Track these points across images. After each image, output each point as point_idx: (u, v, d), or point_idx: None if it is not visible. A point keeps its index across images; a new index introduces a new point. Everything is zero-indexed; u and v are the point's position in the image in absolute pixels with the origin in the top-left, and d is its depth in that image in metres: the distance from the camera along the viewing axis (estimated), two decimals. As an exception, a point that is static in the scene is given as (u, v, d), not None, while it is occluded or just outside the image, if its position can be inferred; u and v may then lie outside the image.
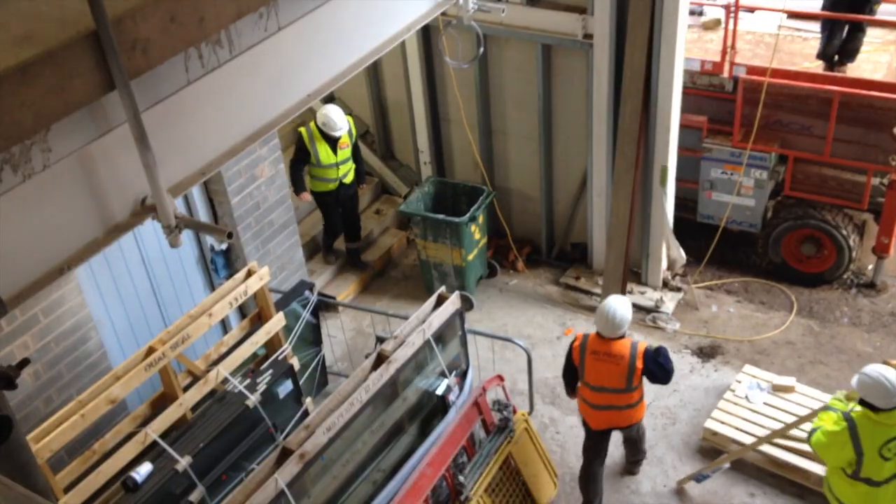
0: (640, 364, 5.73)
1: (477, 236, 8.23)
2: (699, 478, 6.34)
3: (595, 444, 6.17)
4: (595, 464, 6.21)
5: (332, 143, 7.92)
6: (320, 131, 7.87)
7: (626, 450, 6.60)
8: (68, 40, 2.39)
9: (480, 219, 8.19)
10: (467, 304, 8.37)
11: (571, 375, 6.13)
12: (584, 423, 6.18)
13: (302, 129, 7.95)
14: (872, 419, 4.94)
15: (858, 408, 5.05)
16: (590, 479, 6.23)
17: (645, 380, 5.90)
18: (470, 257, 8.20)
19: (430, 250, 8.30)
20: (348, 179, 8.25)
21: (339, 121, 7.81)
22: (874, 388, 4.90)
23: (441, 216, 8.06)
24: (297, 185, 8.09)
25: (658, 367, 5.77)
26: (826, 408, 5.39)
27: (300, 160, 8.02)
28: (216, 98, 3.17)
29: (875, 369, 4.96)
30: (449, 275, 8.36)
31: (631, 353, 5.72)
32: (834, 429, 5.05)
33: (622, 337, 5.77)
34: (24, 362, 2.81)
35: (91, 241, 2.91)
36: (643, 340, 6.31)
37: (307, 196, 8.19)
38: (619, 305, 5.74)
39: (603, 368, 5.79)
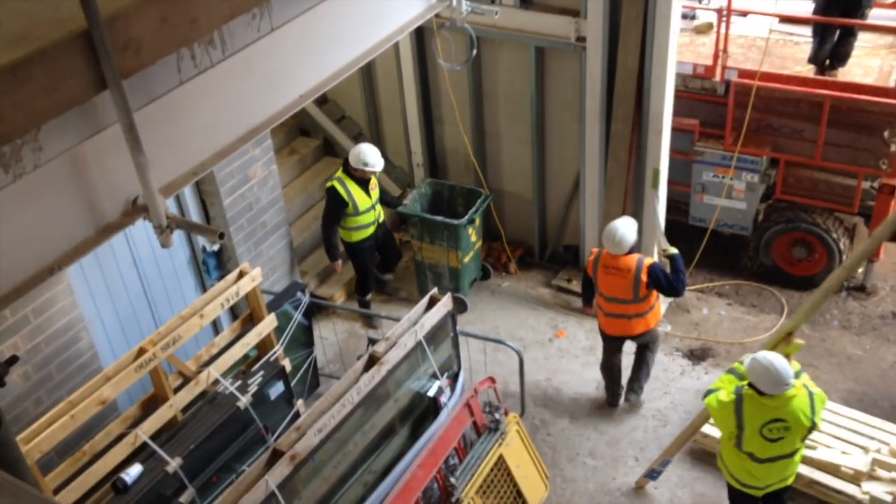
0: (644, 277, 6.45)
1: (473, 238, 8.23)
2: (652, 474, 6.40)
3: (609, 347, 7.02)
4: (612, 359, 7.06)
5: (365, 185, 7.63)
6: (351, 176, 7.55)
7: (633, 369, 7.18)
8: (61, 40, 2.39)
9: (477, 221, 8.19)
10: (461, 307, 8.37)
11: (588, 289, 7.04)
12: (601, 330, 7.00)
13: (332, 183, 7.57)
14: (757, 400, 5.10)
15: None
16: (610, 367, 7.13)
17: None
18: (466, 259, 8.20)
19: (425, 252, 8.30)
20: (382, 217, 7.99)
21: (375, 156, 7.52)
22: (762, 375, 5.05)
23: (440, 218, 8.06)
24: (333, 251, 7.80)
25: (664, 278, 6.48)
26: (731, 370, 5.57)
27: (334, 220, 7.65)
28: (208, 98, 3.17)
29: (766, 357, 5.10)
30: (444, 276, 8.36)
31: (637, 267, 6.48)
32: (724, 399, 5.26)
33: (629, 253, 6.49)
34: (13, 359, 2.80)
35: (82, 240, 2.91)
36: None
37: (340, 265, 7.95)
38: (623, 226, 6.47)
39: (612, 281, 6.59)
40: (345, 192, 7.53)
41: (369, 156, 7.50)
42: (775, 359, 5.07)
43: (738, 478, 5.49)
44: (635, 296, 6.55)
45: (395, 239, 8.56)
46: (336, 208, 7.61)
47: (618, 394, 7.22)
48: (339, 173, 7.63)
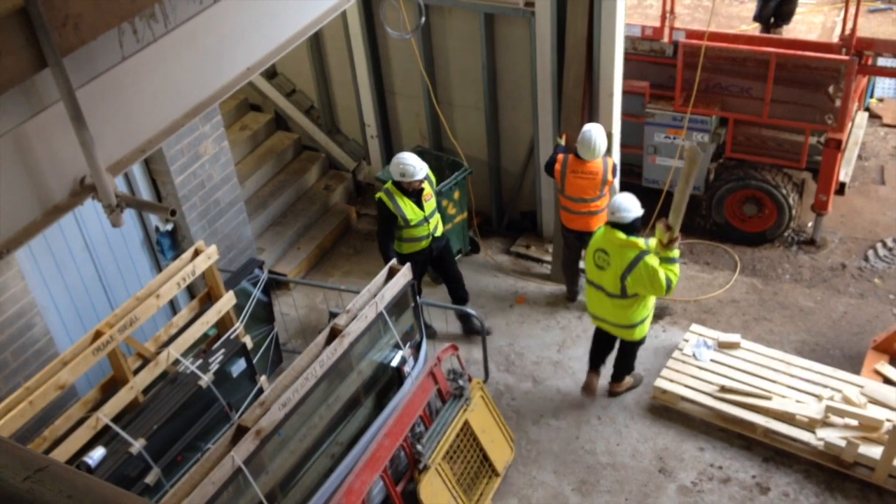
0: (611, 178, 7.19)
1: (451, 211, 8.17)
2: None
3: (570, 243, 7.66)
4: (572, 257, 7.76)
5: (416, 197, 7.05)
6: (399, 187, 7.02)
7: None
8: (-4, 18, 2.32)
9: (456, 194, 8.13)
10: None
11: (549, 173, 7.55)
12: (563, 227, 7.61)
13: (380, 195, 7.08)
14: (604, 232, 6.29)
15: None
16: (571, 264, 7.83)
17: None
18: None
19: None
20: (439, 232, 7.36)
21: (415, 163, 6.93)
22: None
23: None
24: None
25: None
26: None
27: (388, 232, 7.16)
28: (153, 73, 3.11)
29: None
30: None
31: (603, 169, 7.14)
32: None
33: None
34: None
35: (29, 223, 2.85)
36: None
37: None
38: (597, 134, 7.03)
39: (581, 183, 7.20)
40: (391, 205, 7.00)
41: (405, 163, 6.93)
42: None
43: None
44: (600, 193, 7.21)
45: (453, 256, 7.85)
46: (385, 221, 7.11)
47: (576, 291, 7.98)
48: (388, 184, 7.10)
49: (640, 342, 6.71)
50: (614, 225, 6.14)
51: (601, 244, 6.20)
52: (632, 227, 6.14)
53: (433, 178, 7.27)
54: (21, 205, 2.82)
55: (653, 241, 6.08)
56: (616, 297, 6.25)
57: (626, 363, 6.90)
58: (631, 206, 6.15)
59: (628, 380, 7.04)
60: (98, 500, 1.36)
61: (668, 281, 5.95)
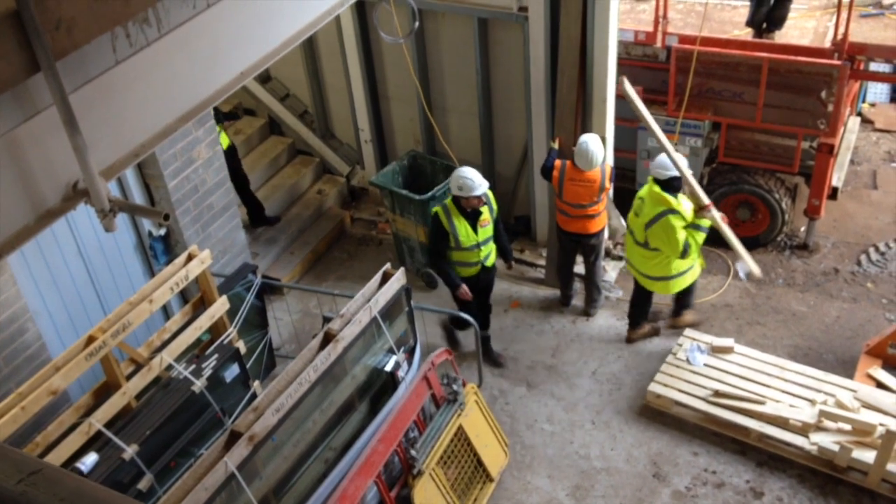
0: (608, 185, 7.22)
1: None
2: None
3: (566, 246, 7.67)
4: (567, 261, 7.77)
5: (473, 219, 6.73)
6: (457, 205, 6.70)
7: (586, 290, 7.93)
8: (-12, 21, 2.31)
9: (450, 199, 8.12)
10: (430, 282, 8.39)
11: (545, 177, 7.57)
12: (560, 230, 7.61)
13: (437, 209, 6.79)
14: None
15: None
16: (564, 272, 7.87)
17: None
18: None
19: (398, 224, 8.35)
20: (490, 262, 7.04)
21: (475, 178, 6.58)
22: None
23: (405, 192, 8.04)
24: (449, 278, 6.84)
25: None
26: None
27: (440, 249, 6.82)
28: (146, 78, 3.10)
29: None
30: (416, 250, 8.38)
31: (601, 176, 7.17)
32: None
33: None
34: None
35: (22, 227, 2.83)
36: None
37: (468, 291, 6.89)
38: (593, 146, 7.03)
39: (580, 191, 7.23)
40: (446, 221, 6.69)
41: (465, 178, 6.59)
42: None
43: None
44: (598, 198, 7.28)
45: (491, 290, 7.42)
46: (437, 237, 6.78)
47: (569, 296, 8.01)
48: (448, 200, 6.79)
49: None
50: (655, 179, 6.65)
51: (643, 193, 6.77)
52: (669, 185, 6.58)
53: (495, 206, 6.91)
54: (13, 209, 2.80)
55: (691, 207, 6.60)
56: (641, 245, 6.83)
57: (637, 311, 7.40)
58: (669, 165, 6.55)
59: (644, 329, 7.46)
60: (91, 502, 1.35)
61: (687, 244, 6.49)
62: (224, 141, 8.11)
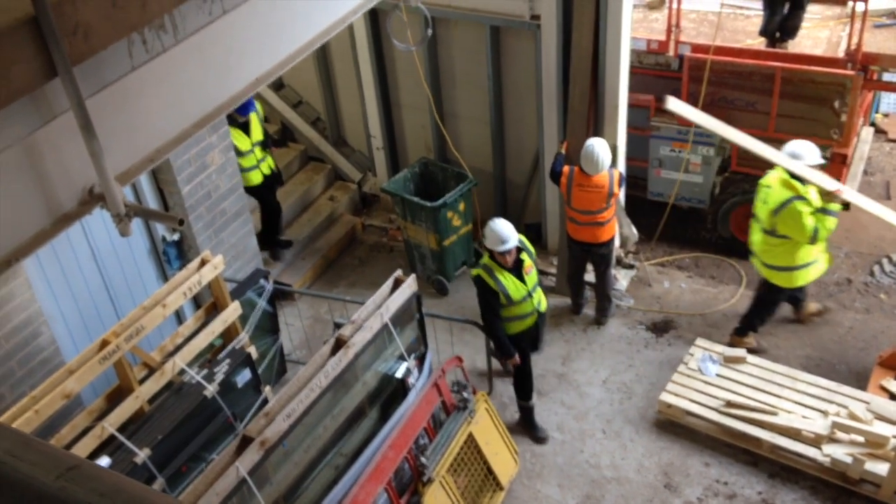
0: (617, 190, 7.20)
1: (456, 223, 8.20)
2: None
3: (576, 255, 7.66)
4: (577, 270, 7.76)
5: (517, 270, 6.31)
6: (495, 260, 6.28)
7: (597, 299, 7.88)
8: (7, 27, 2.34)
9: (461, 206, 8.16)
10: (441, 289, 8.40)
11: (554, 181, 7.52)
12: (570, 238, 7.58)
13: (478, 272, 6.33)
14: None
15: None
16: (575, 281, 7.86)
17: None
18: (446, 243, 8.19)
19: (410, 231, 8.37)
20: (543, 307, 6.63)
21: (506, 230, 6.17)
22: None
23: (416, 199, 8.07)
24: (503, 346, 6.46)
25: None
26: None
27: (494, 310, 6.35)
28: (162, 84, 3.13)
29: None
30: (427, 257, 8.40)
31: (609, 182, 7.13)
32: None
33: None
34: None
35: (38, 231, 2.86)
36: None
37: (518, 360, 6.54)
38: (599, 149, 7.00)
39: (588, 197, 7.20)
40: (492, 281, 6.25)
41: (496, 231, 6.20)
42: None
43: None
44: (607, 205, 7.23)
45: (541, 340, 7.03)
46: (488, 299, 6.33)
47: (580, 304, 8.00)
48: (485, 258, 6.36)
49: (779, 293, 7.05)
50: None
51: (768, 181, 6.69)
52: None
53: (531, 248, 6.55)
54: (30, 214, 2.83)
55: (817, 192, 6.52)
56: (767, 233, 6.70)
57: (755, 313, 7.25)
58: (802, 153, 6.52)
59: (749, 340, 7.33)
60: (130, 498, 1.36)
61: (816, 230, 6.39)
62: (268, 166, 8.31)
